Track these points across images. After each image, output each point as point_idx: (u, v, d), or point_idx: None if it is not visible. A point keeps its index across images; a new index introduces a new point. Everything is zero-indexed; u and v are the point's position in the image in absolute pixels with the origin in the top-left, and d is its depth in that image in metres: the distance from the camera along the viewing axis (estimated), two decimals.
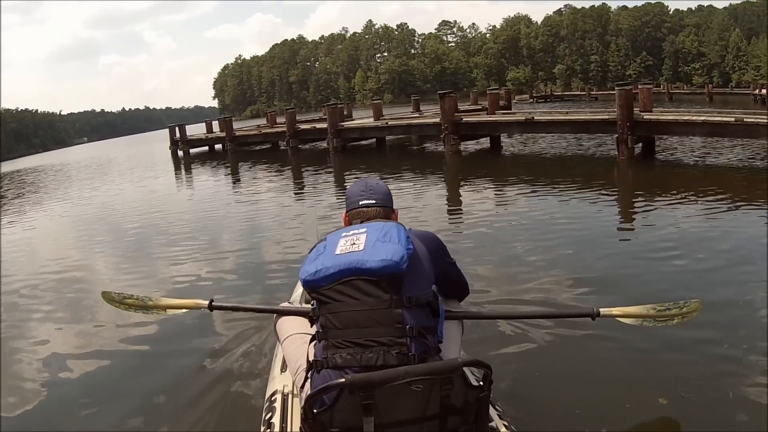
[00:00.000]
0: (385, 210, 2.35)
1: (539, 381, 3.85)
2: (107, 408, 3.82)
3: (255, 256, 7.80)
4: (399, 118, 23.88)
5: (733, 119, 12.75)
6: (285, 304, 2.87)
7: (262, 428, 2.42)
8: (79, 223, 12.60)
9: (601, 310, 2.71)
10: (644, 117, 13.99)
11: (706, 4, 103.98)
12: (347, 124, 22.86)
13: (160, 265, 7.78)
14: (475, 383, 1.98)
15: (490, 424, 2.17)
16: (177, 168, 26.31)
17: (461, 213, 9.98)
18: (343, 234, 2.12)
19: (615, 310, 2.74)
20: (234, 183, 17.75)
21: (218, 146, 31.31)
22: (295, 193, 14.25)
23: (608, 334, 4.20)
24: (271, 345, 3.78)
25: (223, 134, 29.72)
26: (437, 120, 18.35)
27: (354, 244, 2.04)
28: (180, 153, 31.23)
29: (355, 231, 2.11)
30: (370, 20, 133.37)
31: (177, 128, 32.04)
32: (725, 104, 37.99)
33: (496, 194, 11.41)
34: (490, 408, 2.19)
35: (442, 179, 14.45)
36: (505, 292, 5.40)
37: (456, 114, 17.71)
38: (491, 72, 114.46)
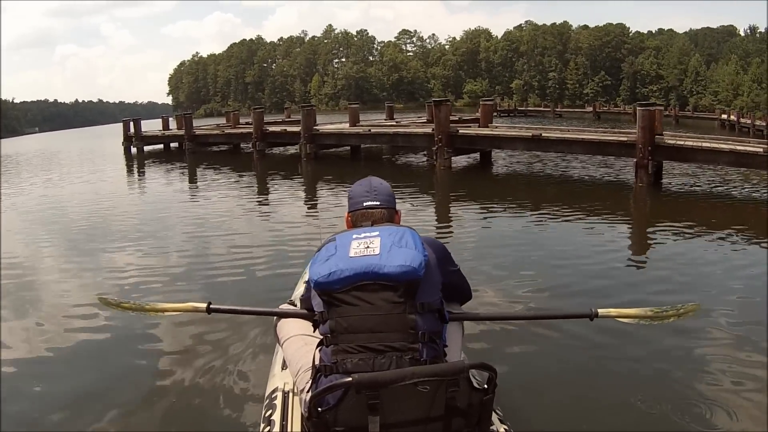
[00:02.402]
0: (390, 211, 2.32)
1: (538, 384, 3.91)
2: (103, 407, 3.72)
3: (236, 264, 7.20)
4: (381, 125, 22.16)
5: (761, 149, 11.74)
6: (285, 305, 2.81)
7: (262, 425, 2.39)
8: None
9: (599, 310, 2.59)
10: (666, 141, 12.74)
11: (666, 27, 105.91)
12: (322, 128, 20.93)
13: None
14: (477, 386, 1.91)
15: (491, 427, 2.10)
16: (129, 167, 23.92)
17: (461, 238, 8.68)
18: (354, 236, 2.07)
19: (613, 311, 2.64)
20: (195, 188, 15.80)
21: (174, 145, 29.10)
22: (264, 203, 12.76)
23: (606, 336, 4.39)
24: (272, 342, 3.50)
25: (181, 132, 27.39)
26: (428, 131, 16.71)
27: (368, 247, 2.00)
28: (133, 150, 28.84)
29: (367, 234, 2.07)
30: (330, 25, 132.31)
31: (131, 123, 29.66)
32: (691, 128, 37.59)
33: (497, 218, 10.17)
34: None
35: (433, 197, 13.05)
36: (503, 298, 5.50)
37: (452, 125, 16.11)
38: (448, 83, 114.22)
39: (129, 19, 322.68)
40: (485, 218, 10.13)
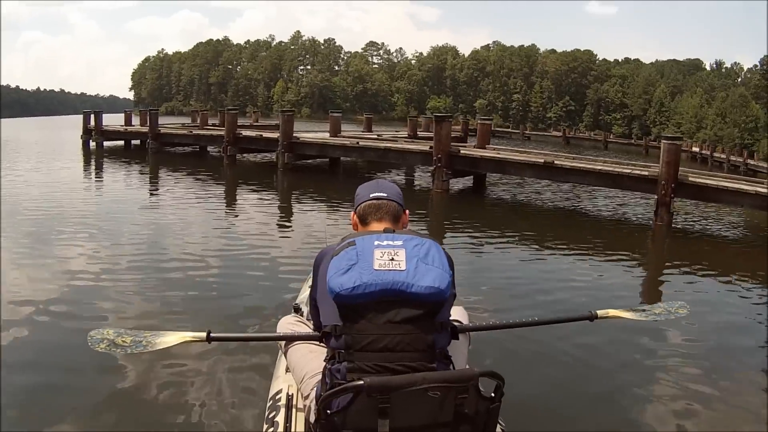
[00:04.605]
0: (398, 206, 2.28)
1: (540, 395, 4.02)
2: (108, 406, 3.73)
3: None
4: (366, 137, 20.75)
5: None
6: (286, 319, 2.71)
7: (266, 426, 2.40)
8: None
9: (598, 312, 2.69)
10: (690, 179, 11.82)
11: (633, 57, 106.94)
12: (303, 137, 19.47)
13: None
14: (484, 394, 1.92)
15: None
16: (87, 165, 21.82)
17: (464, 275, 7.48)
18: (377, 242, 1.98)
19: (611, 312, 2.73)
20: (158, 198, 13.86)
21: (136, 142, 27.27)
22: (237, 219, 11.43)
23: (609, 348, 4.86)
24: (275, 344, 3.09)
25: (145, 129, 25.62)
26: (426, 148, 15.43)
27: (393, 260, 1.93)
28: (92, 144, 26.75)
29: (390, 242, 1.98)
30: (298, 31, 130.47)
31: (92, 115, 27.50)
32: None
33: (503, 252, 9.23)
34: None
35: (429, 224, 11.82)
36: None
37: (453, 145, 14.86)
38: (412, 98, 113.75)
39: (97, 10, 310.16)
40: (490, 252, 9.19)
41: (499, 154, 15.07)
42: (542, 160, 13.45)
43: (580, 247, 9.88)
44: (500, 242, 9.86)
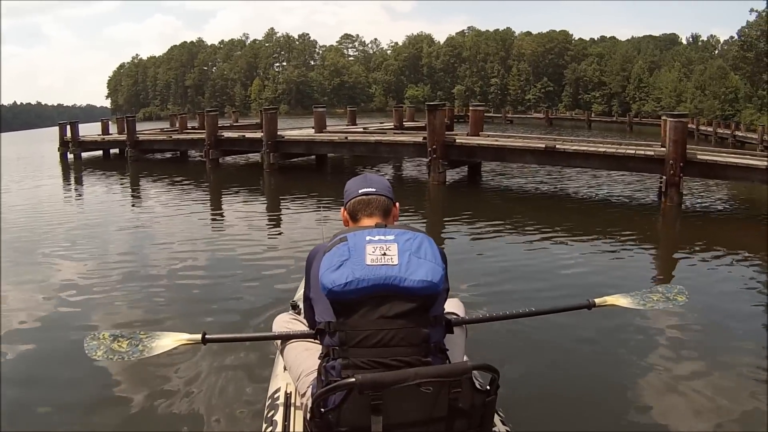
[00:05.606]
0: (387, 200, 2.26)
1: (540, 385, 4.02)
2: (105, 408, 3.78)
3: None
4: (353, 132, 20.10)
5: None
6: (282, 317, 2.76)
7: (264, 425, 2.40)
8: None
9: (596, 300, 2.70)
10: (698, 157, 11.39)
11: (609, 35, 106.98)
12: (288, 135, 18.83)
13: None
14: (479, 387, 1.89)
15: (493, 429, 2.11)
16: (65, 178, 21.07)
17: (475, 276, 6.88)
18: (368, 237, 1.96)
19: (608, 300, 2.75)
20: (142, 209, 13.16)
21: (114, 151, 26.53)
22: (225, 226, 10.90)
23: (608, 336, 4.78)
24: (272, 342, 2.99)
25: (123, 137, 24.79)
26: (419, 139, 14.86)
27: (385, 254, 1.91)
28: (70, 156, 25.88)
29: (382, 237, 1.97)
30: (271, 28, 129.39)
31: (68, 126, 26.45)
32: (649, 135, 36.92)
33: (507, 243, 8.77)
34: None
35: (430, 219, 11.35)
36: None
37: (447, 134, 14.29)
38: (390, 88, 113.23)
39: (72, 19, 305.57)
40: (494, 243, 8.76)
41: (497, 141, 14.53)
42: (543, 145, 12.93)
43: (587, 232, 9.52)
44: (503, 232, 9.46)
